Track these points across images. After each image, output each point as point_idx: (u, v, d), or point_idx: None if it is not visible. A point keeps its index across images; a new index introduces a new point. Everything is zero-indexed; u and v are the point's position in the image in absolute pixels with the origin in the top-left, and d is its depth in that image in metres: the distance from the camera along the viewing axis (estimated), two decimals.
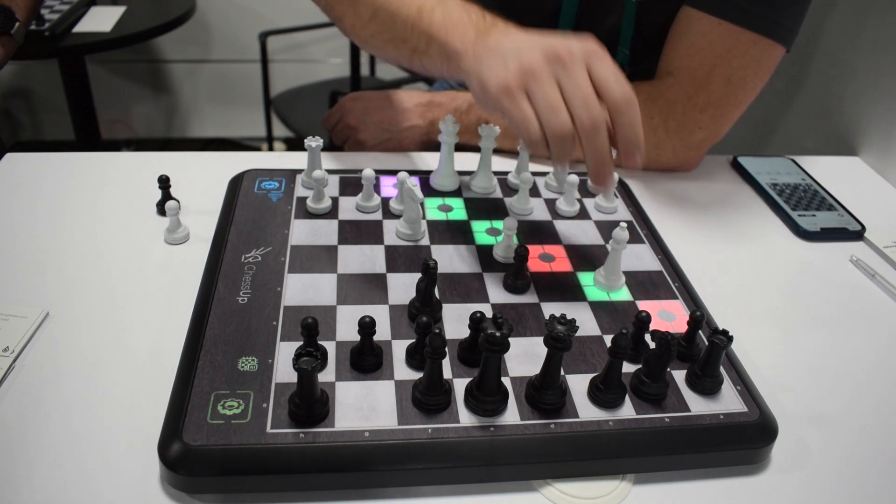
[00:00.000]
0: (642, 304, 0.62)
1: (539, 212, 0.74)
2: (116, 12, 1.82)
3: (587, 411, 0.50)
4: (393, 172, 0.75)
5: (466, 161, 0.83)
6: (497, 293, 0.62)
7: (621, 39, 0.86)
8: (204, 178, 0.78)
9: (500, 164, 0.83)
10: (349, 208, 0.71)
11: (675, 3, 0.81)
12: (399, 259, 0.65)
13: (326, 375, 0.51)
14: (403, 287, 0.61)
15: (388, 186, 0.75)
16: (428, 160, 0.86)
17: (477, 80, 0.59)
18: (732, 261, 0.73)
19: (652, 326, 0.55)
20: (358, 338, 0.52)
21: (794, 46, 0.81)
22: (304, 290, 0.60)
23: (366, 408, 0.49)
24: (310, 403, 0.47)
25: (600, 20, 0.87)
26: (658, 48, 0.85)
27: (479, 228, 0.70)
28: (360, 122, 0.89)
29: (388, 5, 0.68)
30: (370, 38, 0.73)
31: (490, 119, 0.85)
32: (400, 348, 0.54)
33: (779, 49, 0.79)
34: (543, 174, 0.79)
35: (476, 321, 0.52)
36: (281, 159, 0.84)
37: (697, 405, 0.52)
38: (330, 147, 1.01)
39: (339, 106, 0.93)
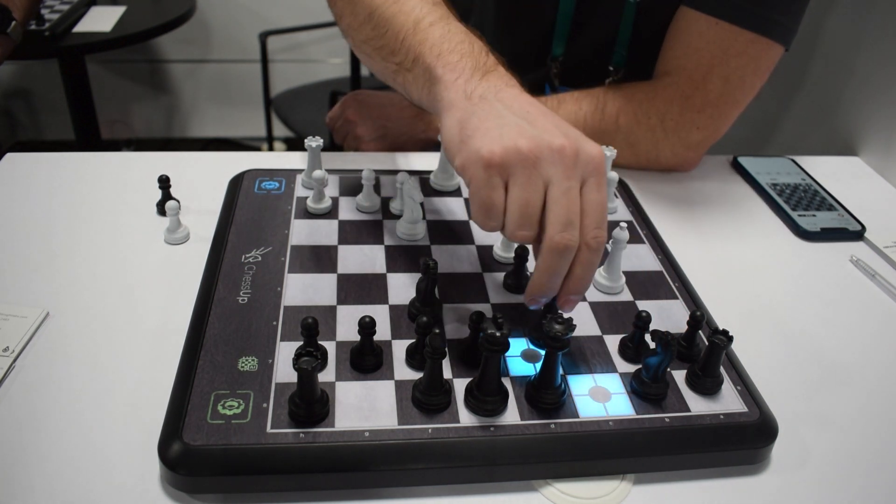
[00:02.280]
0: (642, 304, 0.62)
1: None
2: (116, 12, 1.82)
3: (587, 411, 0.50)
4: (393, 172, 0.75)
5: None
6: (497, 293, 0.62)
7: (619, 40, 0.86)
8: (204, 178, 0.78)
9: None
10: (349, 208, 0.71)
11: (675, 3, 0.81)
12: (399, 259, 0.65)
13: (326, 375, 0.51)
14: (403, 287, 0.61)
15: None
16: (428, 160, 0.86)
17: (459, 127, 0.50)
18: (732, 261, 0.73)
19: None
20: (358, 338, 0.52)
21: (794, 46, 0.81)
22: (304, 290, 0.60)
23: (366, 408, 0.49)
24: (310, 403, 0.47)
25: (600, 21, 0.87)
26: (657, 49, 0.85)
27: (480, 229, 0.70)
28: (359, 116, 0.90)
29: (385, 10, 0.61)
30: (362, 42, 0.66)
31: None
32: (400, 348, 0.54)
33: (777, 48, 0.79)
34: None
35: (476, 321, 0.52)
36: (281, 159, 0.84)
37: (697, 405, 0.52)
38: (330, 147, 1.01)
39: (341, 102, 0.94)
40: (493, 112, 0.50)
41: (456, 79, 0.53)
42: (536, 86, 0.93)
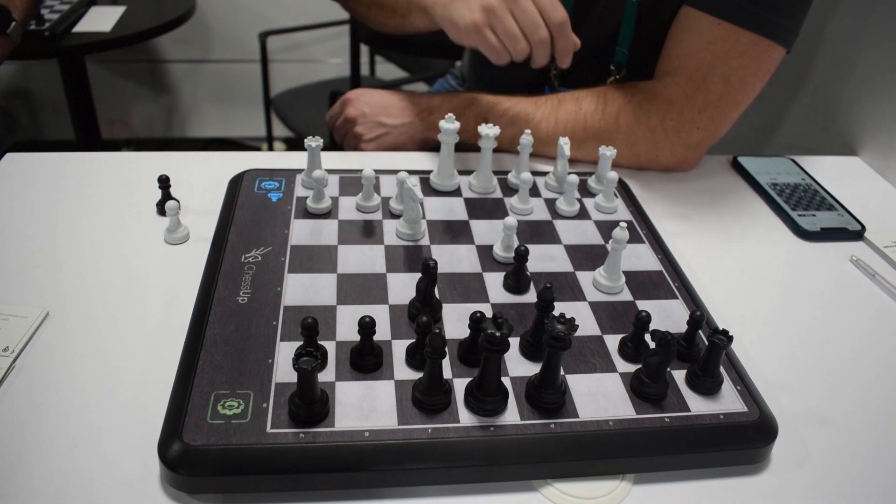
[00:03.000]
0: (642, 304, 0.62)
1: (539, 212, 0.74)
2: (116, 12, 1.82)
3: (587, 411, 0.50)
4: (393, 172, 0.75)
5: (466, 161, 0.83)
6: (497, 293, 0.62)
7: (620, 39, 0.86)
8: (204, 178, 0.78)
9: (500, 164, 0.83)
10: (349, 208, 0.71)
11: (676, 3, 0.81)
12: (399, 259, 0.65)
13: (326, 375, 0.51)
14: (403, 287, 0.61)
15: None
16: (428, 160, 0.86)
17: (449, 23, 0.75)
18: (732, 261, 0.73)
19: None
20: (358, 338, 0.52)
21: (794, 46, 0.81)
22: (304, 290, 0.60)
23: (366, 408, 0.49)
24: (310, 403, 0.47)
25: (599, 20, 0.87)
26: (658, 48, 0.85)
27: (479, 228, 0.70)
28: (358, 114, 0.90)
29: None
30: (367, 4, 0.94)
31: (489, 118, 0.85)
32: (400, 348, 0.54)
33: (779, 50, 0.79)
34: (543, 174, 0.79)
35: (476, 321, 0.52)
36: (281, 159, 0.84)
37: (697, 405, 0.52)
38: (330, 147, 1.01)
39: (341, 101, 0.94)
40: (460, 1, 0.74)
41: (434, 1, 0.78)
42: (536, 86, 0.93)
